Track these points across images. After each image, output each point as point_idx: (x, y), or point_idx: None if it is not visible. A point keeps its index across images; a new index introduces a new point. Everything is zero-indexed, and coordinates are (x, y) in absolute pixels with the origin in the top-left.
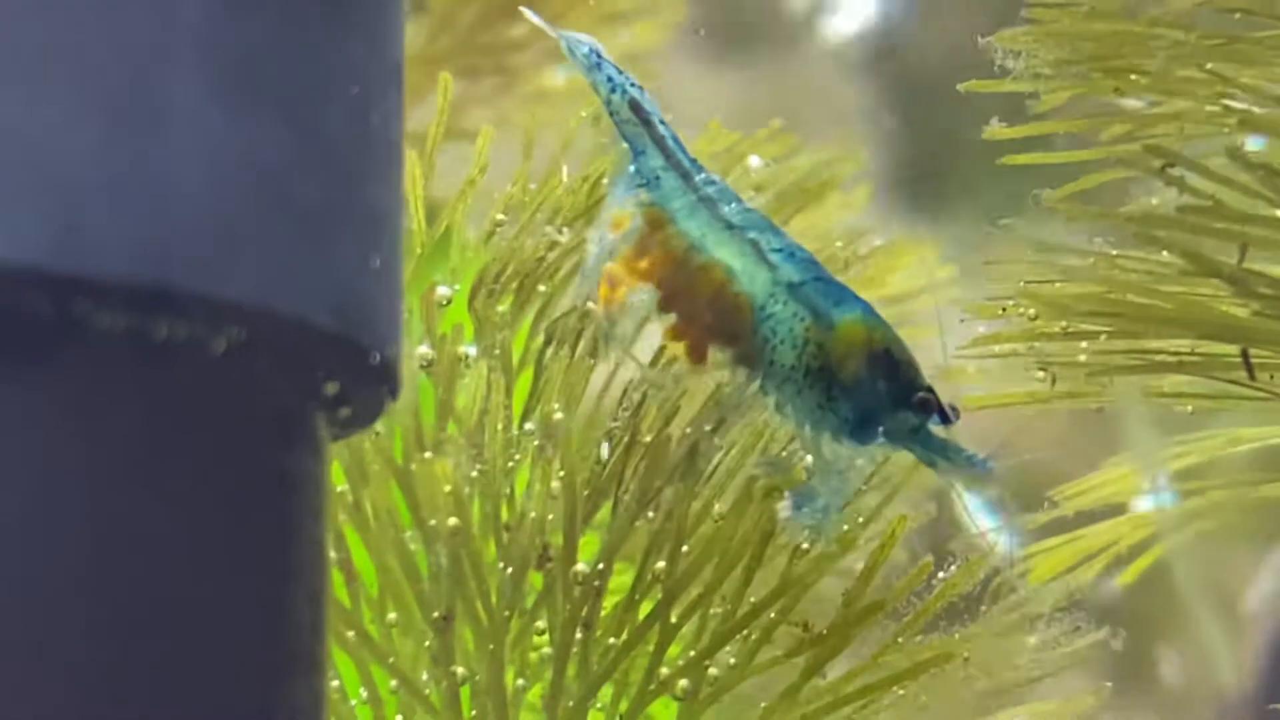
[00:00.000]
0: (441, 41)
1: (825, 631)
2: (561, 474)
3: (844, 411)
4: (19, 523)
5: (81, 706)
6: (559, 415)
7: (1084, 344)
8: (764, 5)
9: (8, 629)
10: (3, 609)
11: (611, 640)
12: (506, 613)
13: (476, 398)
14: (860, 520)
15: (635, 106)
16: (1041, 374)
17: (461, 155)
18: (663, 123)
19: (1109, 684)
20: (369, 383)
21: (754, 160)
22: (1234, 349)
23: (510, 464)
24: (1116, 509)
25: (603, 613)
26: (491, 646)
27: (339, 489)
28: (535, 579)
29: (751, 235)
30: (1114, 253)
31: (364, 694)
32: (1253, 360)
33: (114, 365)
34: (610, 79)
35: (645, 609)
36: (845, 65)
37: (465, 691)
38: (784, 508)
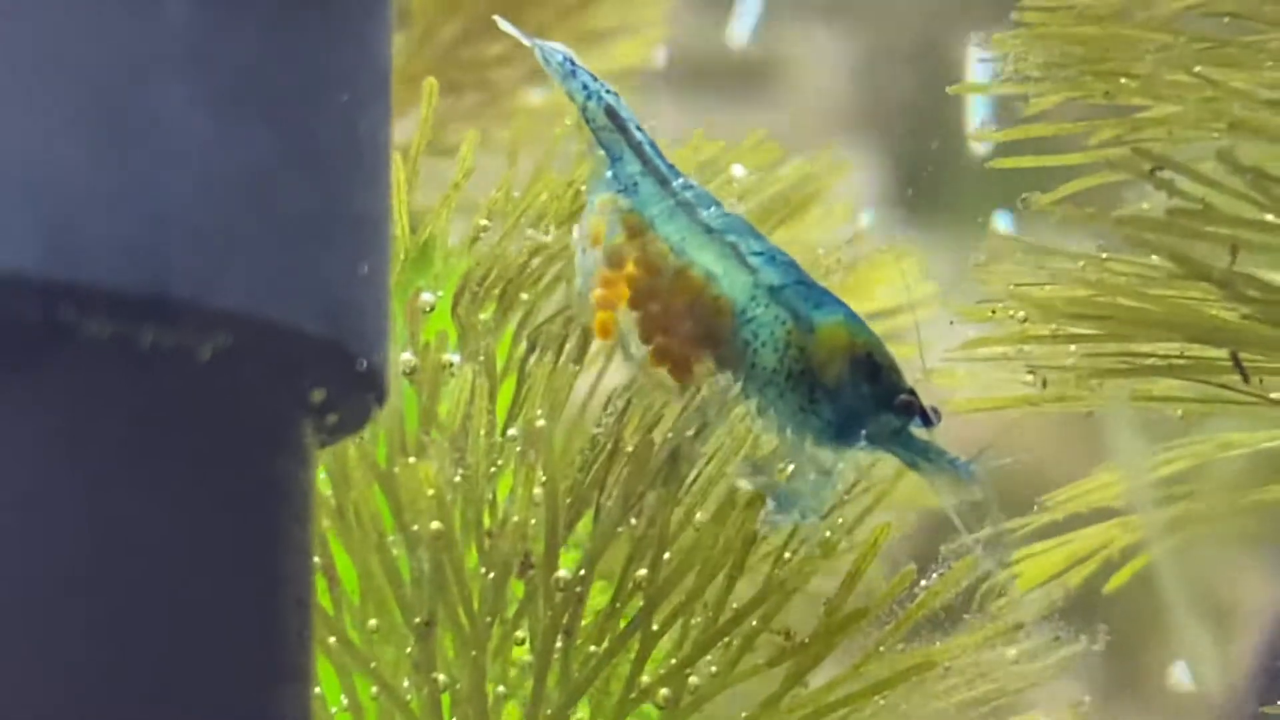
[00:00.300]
0: (423, 56)
1: (807, 640)
2: (544, 480)
3: (826, 414)
4: (3, 529)
5: (69, 715)
6: (541, 422)
7: (1072, 348)
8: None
9: None
10: None
11: (592, 648)
12: (489, 619)
13: (460, 403)
14: (842, 523)
15: (611, 113)
16: (1030, 377)
17: (442, 171)
18: (639, 128)
19: (1090, 696)
20: (356, 389)
21: (737, 169)
22: (1223, 353)
23: (493, 470)
24: (1105, 513)
25: (584, 621)
26: (474, 653)
27: (324, 493)
28: (516, 587)
29: (731, 239)
30: (1104, 255)
31: (344, 701)
32: (1243, 365)
33: (102, 373)
34: (585, 86)
35: (626, 617)
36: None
37: (445, 699)
38: (765, 511)
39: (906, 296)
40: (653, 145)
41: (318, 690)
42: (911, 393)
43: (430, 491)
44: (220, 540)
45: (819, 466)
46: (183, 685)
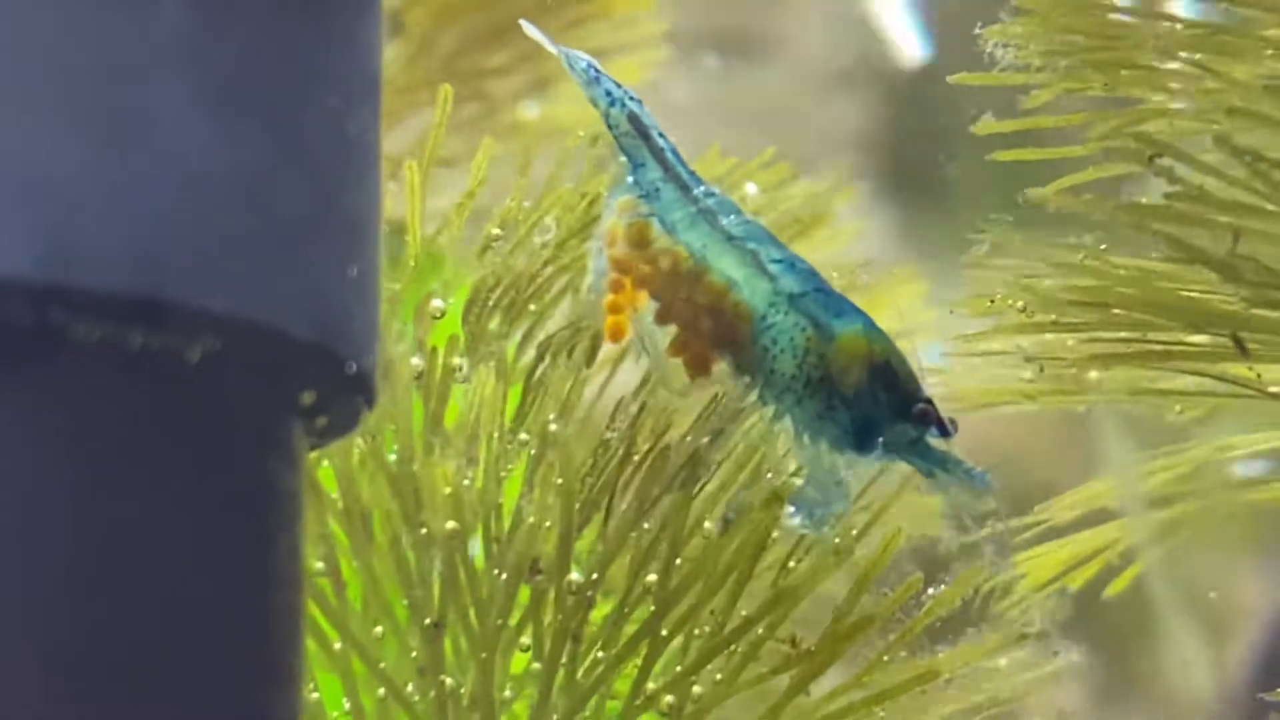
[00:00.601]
0: (420, 68)
1: (812, 648)
2: (560, 483)
3: (843, 422)
4: None
5: (60, 714)
6: (554, 426)
7: (1070, 342)
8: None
9: None
10: None
11: (600, 654)
12: (499, 621)
13: (472, 406)
14: (855, 533)
15: (634, 119)
16: (1029, 375)
17: (438, 181)
18: (661, 135)
19: (1090, 697)
20: (346, 392)
21: (750, 188)
22: (1223, 340)
23: (503, 473)
24: (1105, 515)
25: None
26: (484, 655)
27: (332, 495)
28: (523, 593)
29: (751, 246)
30: (1103, 246)
31: (346, 705)
32: (1243, 343)
33: (94, 375)
34: (609, 92)
35: (635, 623)
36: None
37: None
38: (785, 514)
39: (903, 323)
40: (675, 152)
41: (316, 695)
42: (929, 402)
43: (448, 489)
44: (211, 540)
45: (834, 474)
46: (172, 684)
